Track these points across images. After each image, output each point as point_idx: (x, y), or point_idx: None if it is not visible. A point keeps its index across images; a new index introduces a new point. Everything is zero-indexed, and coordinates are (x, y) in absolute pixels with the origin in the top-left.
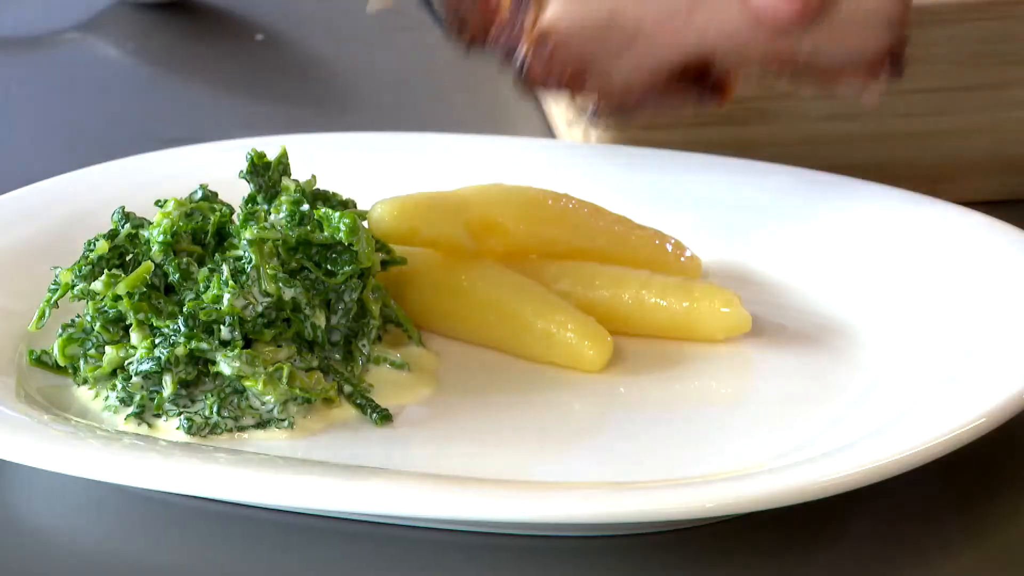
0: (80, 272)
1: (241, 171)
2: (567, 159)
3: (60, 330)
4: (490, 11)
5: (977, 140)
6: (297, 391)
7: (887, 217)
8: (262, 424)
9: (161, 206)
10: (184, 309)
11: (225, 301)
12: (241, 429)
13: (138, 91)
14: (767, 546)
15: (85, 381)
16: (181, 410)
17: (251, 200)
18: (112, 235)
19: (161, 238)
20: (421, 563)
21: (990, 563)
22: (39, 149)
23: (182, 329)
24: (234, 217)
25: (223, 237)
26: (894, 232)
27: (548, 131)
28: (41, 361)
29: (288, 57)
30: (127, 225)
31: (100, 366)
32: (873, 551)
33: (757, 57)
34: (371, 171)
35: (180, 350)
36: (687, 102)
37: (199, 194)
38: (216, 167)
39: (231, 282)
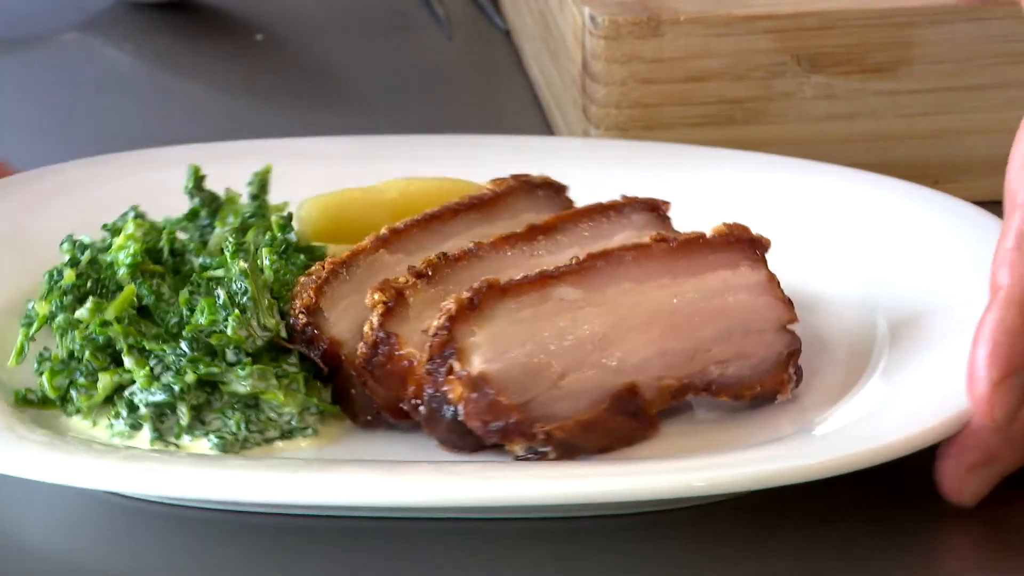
0: (63, 303)
1: (186, 186)
2: (567, 156)
3: (36, 364)
4: (401, 373)
5: (977, 140)
6: (315, 401)
7: (885, 209)
8: (286, 435)
9: (111, 229)
10: (184, 333)
11: (230, 329)
12: (268, 441)
13: (138, 91)
14: (758, 529)
15: (78, 411)
16: (209, 430)
17: (194, 215)
18: (73, 263)
19: (129, 260)
20: (429, 554)
21: (989, 556)
22: (39, 149)
23: (187, 353)
24: (181, 234)
25: (173, 254)
26: (892, 226)
27: (548, 130)
28: (27, 400)
29: (288, 57)
30: (87, 252)
31: (93, 395)
32: (871, 534)
33: (672, 382)
34: (373, 173)
35: (190, 377)
36: (625, 435)
37: (131, 214)
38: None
39: (235, 311)
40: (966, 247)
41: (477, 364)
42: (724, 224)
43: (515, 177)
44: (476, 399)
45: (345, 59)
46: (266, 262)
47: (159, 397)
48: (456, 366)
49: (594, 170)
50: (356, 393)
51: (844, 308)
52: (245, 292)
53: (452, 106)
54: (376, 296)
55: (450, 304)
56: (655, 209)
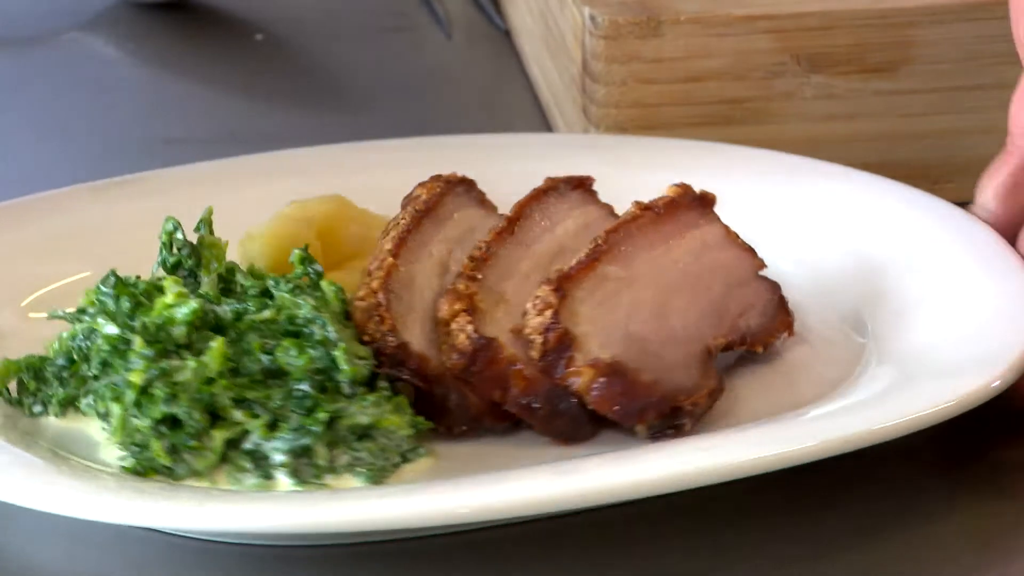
0: (164, 368)
1: (168, 237)
2: (566, 153)
3: (117, 436)
4: (503, 376)
5: (977, 140)
6: (420, 420)
7: (877, 209)
8: (405, 458)
9: (131, 293)
10: (294, 375)
11: (344, 363)
12: (395, 467)
13: (138, 91)
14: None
15: (195, 474)
16: (338, 465)
17: (176, 265)
18: (130, 328)
19: (190, 318)
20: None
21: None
22: (38, 150)
23: (310, 393)
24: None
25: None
26: (884, 227)
27: (548, 130)
28: (135, 471)
29: (288, 57)
30: (137, 320)
31: (207, 455)
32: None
33: (722, 340)
34: (374, 176)
35: (323, 415)
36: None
37: (112, 280)
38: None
39: (341, 344)
40: (956, 250)
41: (596, 351)
42: (675, 185)
43: (436, 178)
44: (611, 384)
45: (345, 59)
46: (330, 294)
47: (297, 441)
48: (579, 357)
49: (593, 167)
50: (454, 405)
51: (836, 303)
52: (324, 326)
53: (452, 106)
54: (456, 306)
55: (550, 298)
56: (582, 185)
